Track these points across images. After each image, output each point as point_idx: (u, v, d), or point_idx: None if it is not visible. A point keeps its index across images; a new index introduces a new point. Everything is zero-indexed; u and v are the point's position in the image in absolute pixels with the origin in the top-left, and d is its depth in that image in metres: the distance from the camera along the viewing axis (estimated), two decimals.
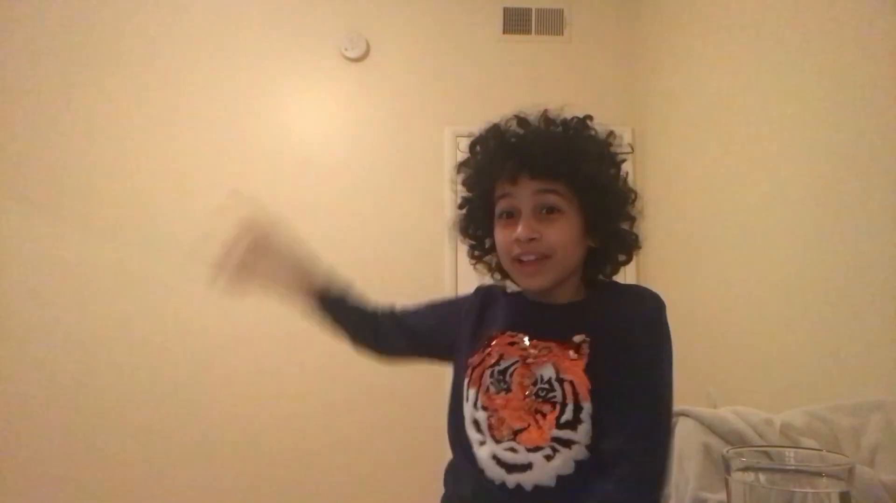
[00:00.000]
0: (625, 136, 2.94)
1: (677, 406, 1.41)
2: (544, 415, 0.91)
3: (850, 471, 0.54)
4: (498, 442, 0.93)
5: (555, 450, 0.89)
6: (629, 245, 1.06)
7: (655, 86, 2.86)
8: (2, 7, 2.82)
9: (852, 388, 1.52)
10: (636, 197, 1.05)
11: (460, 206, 1.12)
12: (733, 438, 1.23)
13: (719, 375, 2.20)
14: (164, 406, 2.77)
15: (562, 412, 0.91)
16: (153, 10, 2.95)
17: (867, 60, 1.53)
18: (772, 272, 1.93)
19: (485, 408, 0.96)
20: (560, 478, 0.88)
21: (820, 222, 1.71)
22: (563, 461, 0.89)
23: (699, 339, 2.36)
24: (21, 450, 2.67)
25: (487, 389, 0.97)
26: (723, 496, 0.55)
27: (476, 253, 1.12)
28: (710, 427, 1.26)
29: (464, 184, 1.09)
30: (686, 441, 1.28)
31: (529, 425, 0.92)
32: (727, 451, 0.58)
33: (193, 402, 2.79)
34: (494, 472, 0.91)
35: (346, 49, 2.97)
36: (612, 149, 1.04)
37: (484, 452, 0.94)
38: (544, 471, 0.89)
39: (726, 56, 2.25)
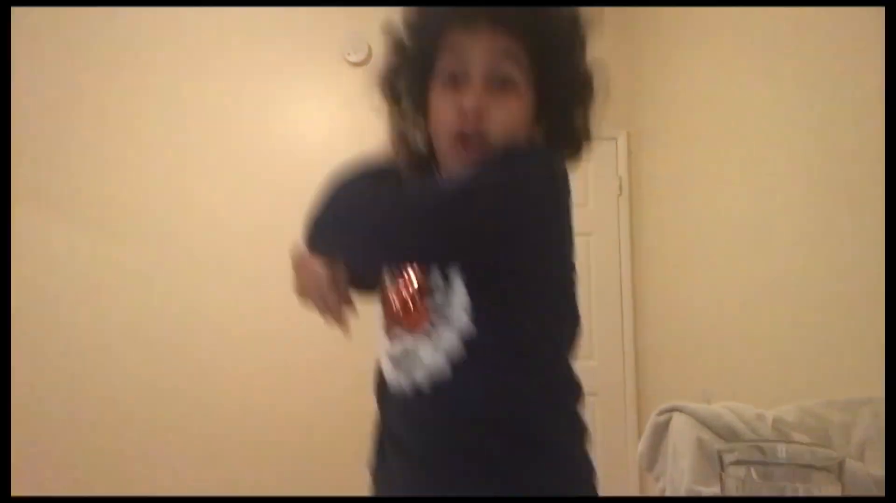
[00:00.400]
0: (619, 140, 2.97)
1: (672, 403, 1.44)
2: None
3: (841, 465, 0.56)
4: None
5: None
6: (578, 142, 0.88)
7: (651, 91, 2.88)
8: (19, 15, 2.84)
9: (843, 385, 1.55)
10: (595, 88, 0.87)
11: (391, 56, 0.90)
12: (726, 433, 1.26)
13: (713, 373, 2.23)
14: (175, 403, 2.80)
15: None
16: (163, 19, 2.98)
17: (858, 72, 1.56)
18: (764, 273, 1.95)
19: None
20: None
21: (810, 224, 1.75)
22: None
23: (693, 338, 2.39)
24: (35, 447, 2.69)
25: None
26: (717, 489, 0.57)
27: (399, 125, 0.92)
28: (703, 422, 1.28)
29: (405, 27, 0.88)
30: (680, 436, 1.30)
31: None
32: (721, 447, 0.60)
33: (202, 400, 2.82)
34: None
35: (348, 53, 2.97)
36: (583, 26, 0.86)
37: None
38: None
39: (720, 63, 2.27)
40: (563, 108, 0.86)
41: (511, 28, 0.81)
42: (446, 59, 0.83)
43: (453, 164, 0.84)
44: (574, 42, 0.85)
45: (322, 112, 3.00)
